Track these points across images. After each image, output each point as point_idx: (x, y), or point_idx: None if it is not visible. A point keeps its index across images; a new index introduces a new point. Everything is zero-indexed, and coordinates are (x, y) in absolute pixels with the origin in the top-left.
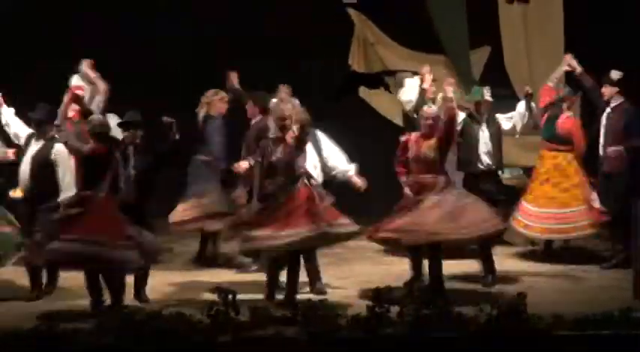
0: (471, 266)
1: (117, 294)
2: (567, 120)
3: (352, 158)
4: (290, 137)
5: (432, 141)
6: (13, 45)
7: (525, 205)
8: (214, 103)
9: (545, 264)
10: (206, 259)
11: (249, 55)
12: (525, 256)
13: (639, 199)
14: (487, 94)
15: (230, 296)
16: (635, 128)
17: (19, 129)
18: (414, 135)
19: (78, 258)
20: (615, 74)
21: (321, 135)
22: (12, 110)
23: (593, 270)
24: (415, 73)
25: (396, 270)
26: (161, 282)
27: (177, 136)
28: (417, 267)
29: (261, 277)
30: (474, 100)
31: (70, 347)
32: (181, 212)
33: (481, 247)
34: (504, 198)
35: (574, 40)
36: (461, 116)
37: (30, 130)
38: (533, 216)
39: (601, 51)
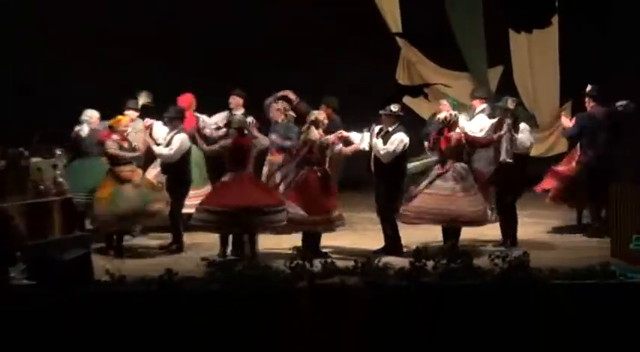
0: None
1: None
2: None
3: None
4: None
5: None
6: None
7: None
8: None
9: (544, 233)
10: None
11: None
12: (529, 225)
13: (615, 182)
14: (510, 103)
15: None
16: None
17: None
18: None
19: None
20: (587, 87)
21: None
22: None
23: (580, 236)
24: (446, 86)
25: (432, 234)
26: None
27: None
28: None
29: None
30: (502, 107)
31: (185, 291)
32: None
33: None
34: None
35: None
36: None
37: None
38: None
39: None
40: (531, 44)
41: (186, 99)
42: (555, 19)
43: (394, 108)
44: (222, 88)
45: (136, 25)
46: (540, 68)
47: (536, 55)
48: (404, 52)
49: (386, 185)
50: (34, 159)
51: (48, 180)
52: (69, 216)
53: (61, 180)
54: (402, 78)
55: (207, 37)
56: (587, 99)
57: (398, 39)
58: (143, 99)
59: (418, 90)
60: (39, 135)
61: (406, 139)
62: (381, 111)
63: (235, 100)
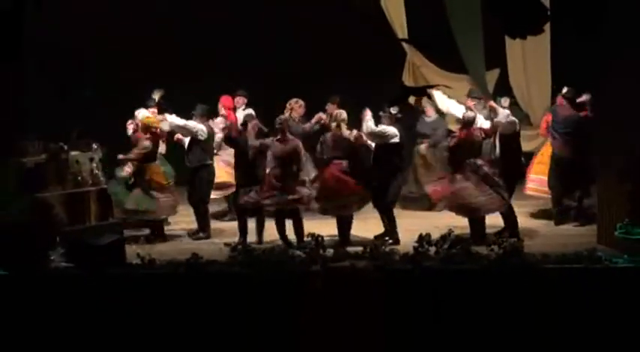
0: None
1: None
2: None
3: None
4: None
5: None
6: None
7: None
8: (295, 108)
9: (535, 221)
10: None
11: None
12: (524, 214)
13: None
14: (504, 102)
15: (319, 239)
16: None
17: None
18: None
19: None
20: (564, 89)
21: None
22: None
23: (569, 225)
24: (447, 87)
25: (434, 223)
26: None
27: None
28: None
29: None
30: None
31: (209, 272)
32: None
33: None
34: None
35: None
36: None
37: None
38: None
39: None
40: (525, 49)
41: (227, 100)
42: (547, 27)
43: (393, 110)
44: (222, 88)
45: (134, 26)
46: (533, 71)
47: (530, 60)
48: (409, 57)
49: (380, 179)
50: (73, 153)
51: (85, 171)
52: (104, 204)
53: (97, 172)
54: (407, 80)
55: (207, 37)
56: (560, 98)
57: (404, 44)
58: (157, 96)
59: (422, 90)
60: (77, 131)
61: (396, 132)
62: (380, 113)
63: (242, 100)
